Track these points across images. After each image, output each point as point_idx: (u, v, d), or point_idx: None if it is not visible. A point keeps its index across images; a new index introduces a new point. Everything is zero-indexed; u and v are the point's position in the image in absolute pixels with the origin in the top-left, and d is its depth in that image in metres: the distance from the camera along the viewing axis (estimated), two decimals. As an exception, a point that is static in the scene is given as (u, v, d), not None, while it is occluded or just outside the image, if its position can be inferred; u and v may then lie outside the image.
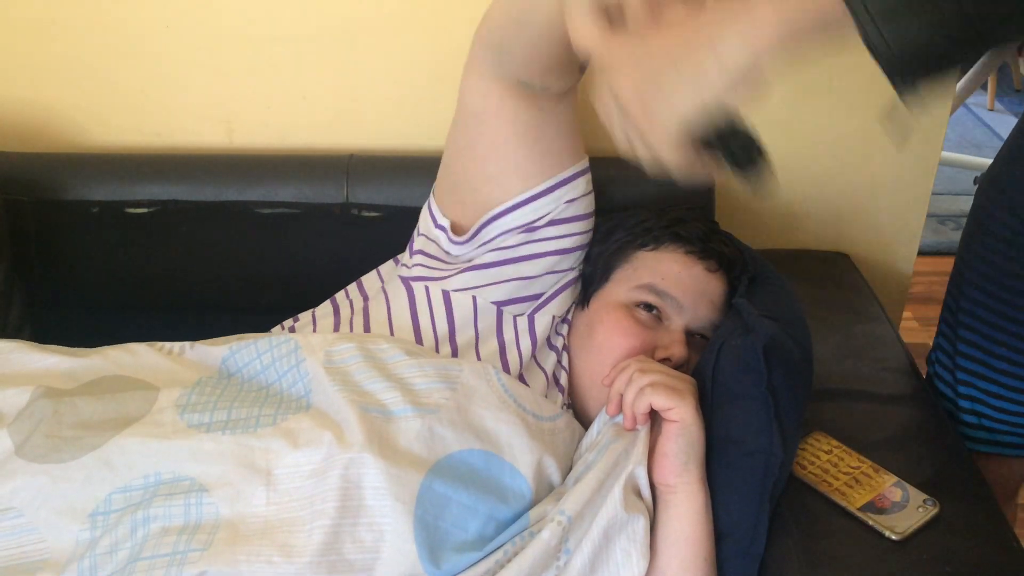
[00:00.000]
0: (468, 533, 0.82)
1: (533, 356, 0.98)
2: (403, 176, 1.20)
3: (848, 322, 1.16)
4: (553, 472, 0.89)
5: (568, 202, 0.98)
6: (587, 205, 1.02)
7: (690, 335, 0.98)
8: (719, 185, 1.23)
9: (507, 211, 0.98)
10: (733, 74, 0.57)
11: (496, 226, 0.98)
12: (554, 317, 1.00)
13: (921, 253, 1.42)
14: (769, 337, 0.88)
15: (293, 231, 1.19)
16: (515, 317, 0.98)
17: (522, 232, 0.98)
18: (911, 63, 0.55)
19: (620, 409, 0.89)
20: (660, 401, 0.86)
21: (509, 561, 0.80)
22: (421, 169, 1.16)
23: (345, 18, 1.20)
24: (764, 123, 0.63)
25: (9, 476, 0.82)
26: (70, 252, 1.21)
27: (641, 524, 0.83)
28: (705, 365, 0.92)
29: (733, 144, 0.59)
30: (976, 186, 1.13)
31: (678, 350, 0.95)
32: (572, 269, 1.02)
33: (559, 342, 1.01)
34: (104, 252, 1.21)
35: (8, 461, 0.83)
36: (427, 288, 0.98)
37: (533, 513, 0.84)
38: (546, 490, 0.89)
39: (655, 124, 0.60)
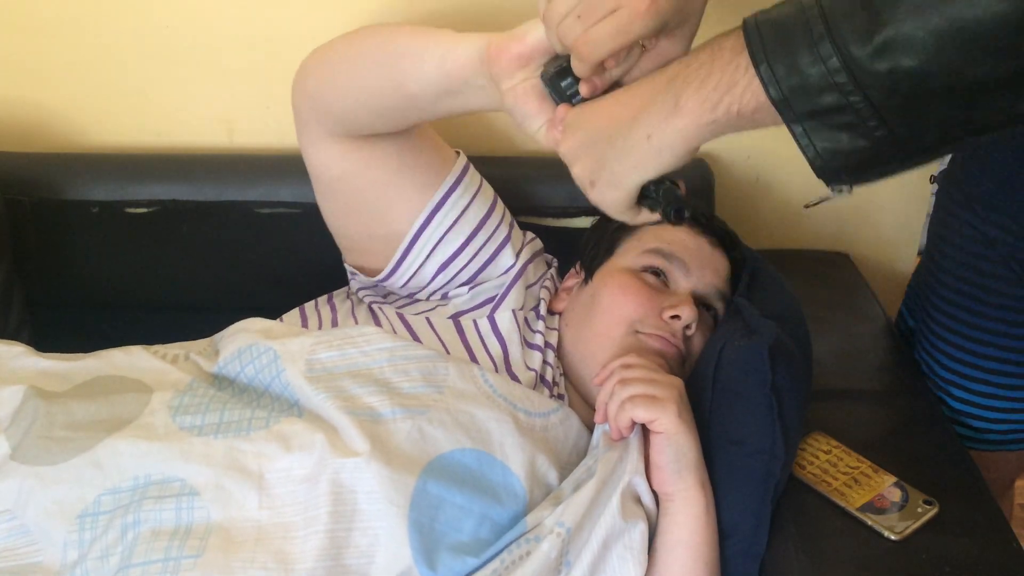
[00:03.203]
0: (463, 534, 0.82)
1: (510, 357, 0.96)
2: (403, 176, 1.19)
3: (848, 322, 1.16)
4: (548, 471, 0.88)
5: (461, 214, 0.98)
6: (482, 204, 1.01)
7: (698, 304, 0.96)
8: (719, 185, 1.23)
9: (419, 231, 0.97)
10: (667, 159, 0.67)
11: (416, 258, 0.99)
12: (514, 311, 0.99)
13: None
14: (773, 339, 0.88)
15: (293, 231, 1.19)
16: (475, 322, 0.98)
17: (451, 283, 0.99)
18: (839, 171, 0.60)
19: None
20: (641, 414, 0.84)
21: (507, 570, 0.80)
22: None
23: (345, 18, 1.20)
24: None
25: (2, 479, 0.82)
26: (70, 252, 1.21)
27: (638, 530, 0.83)
28: (706, 365, 0.92)
29: (666, 203, 0.71)
30: (934, 184, 1.13)
31: (687, 309, 0.94)
32: (514, 257, 1.02)
33: (539, 339, 0.99)
34: (104, 252, 1.21)
35: (3, 464, 0.82)
36: (382, 309, 0.99)
37: (530, 518, 0.84)
38: (541, 489, 0.88)
39: (605, 197, 0.72)
